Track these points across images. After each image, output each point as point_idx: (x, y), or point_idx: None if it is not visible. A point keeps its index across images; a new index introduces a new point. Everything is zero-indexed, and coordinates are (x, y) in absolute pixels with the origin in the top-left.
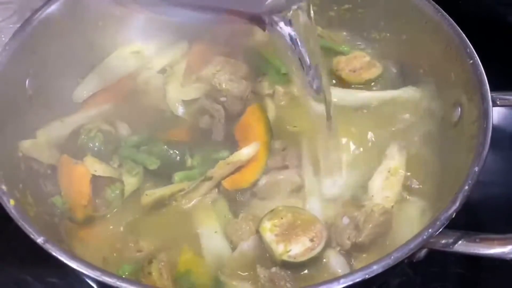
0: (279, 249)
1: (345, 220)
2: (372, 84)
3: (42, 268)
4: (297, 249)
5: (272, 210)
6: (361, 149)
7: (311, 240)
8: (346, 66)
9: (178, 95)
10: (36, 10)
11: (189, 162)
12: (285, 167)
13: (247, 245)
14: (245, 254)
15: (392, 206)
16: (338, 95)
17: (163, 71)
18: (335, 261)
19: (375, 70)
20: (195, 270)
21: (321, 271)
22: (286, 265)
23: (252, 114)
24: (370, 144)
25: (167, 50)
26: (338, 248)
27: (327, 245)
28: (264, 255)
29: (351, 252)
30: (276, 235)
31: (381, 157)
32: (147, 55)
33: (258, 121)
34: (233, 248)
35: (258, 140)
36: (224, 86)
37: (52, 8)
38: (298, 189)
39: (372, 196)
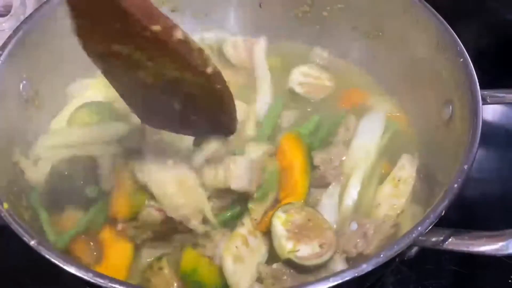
0: (288, 246)
1: (353, 226)
2: None
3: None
4: (305, 251)
5: (289, 203)
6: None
7: (321, 246)
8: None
9: None
10: (28, 16)
11: None
12: None
13: None
14: None
15: (398, 215)
16: None
17: None
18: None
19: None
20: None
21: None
22: (290, 264)
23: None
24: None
25: None
26: (344, 255)
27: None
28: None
29: (355, 260)
30: (287, 231)
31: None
32: None
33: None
34: None
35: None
36: None
37: (44, 12)
38: None
39: (379, 204)
